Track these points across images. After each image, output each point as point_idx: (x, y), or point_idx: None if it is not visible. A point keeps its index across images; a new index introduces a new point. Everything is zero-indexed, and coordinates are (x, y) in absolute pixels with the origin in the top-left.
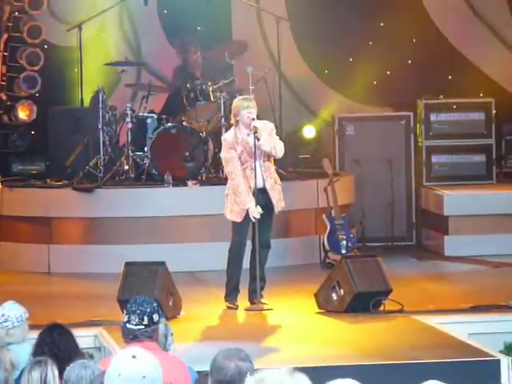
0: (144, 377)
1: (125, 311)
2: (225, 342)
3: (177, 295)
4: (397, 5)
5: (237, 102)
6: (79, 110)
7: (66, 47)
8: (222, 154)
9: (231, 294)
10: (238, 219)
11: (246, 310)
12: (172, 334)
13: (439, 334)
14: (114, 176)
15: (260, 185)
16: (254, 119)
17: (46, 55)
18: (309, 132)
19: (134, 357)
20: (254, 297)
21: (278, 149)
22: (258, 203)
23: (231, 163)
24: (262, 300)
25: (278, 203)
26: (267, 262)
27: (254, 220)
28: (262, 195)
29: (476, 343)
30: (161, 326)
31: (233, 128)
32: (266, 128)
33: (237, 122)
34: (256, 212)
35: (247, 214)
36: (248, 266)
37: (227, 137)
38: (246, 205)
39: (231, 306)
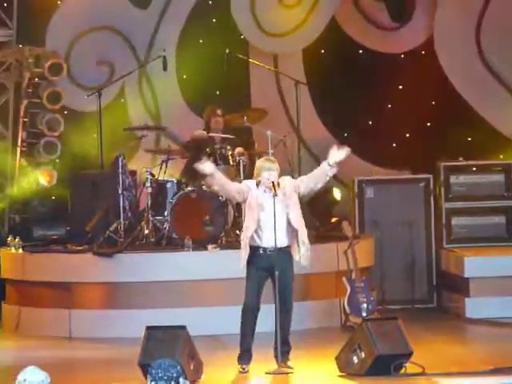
0: None
1: (149, 377)
2: None
3: (198, 359)
4: (415, 67)
5: (259, 162)
6: (99, 175)
7: (85, 113)
8: None
9: (240, 356)
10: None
11: (267, 373)
12: None
13: None
14: (135, 240)
15: (278, 244)
16: (273, 182)
17: (66, 121)
18: (337, 194)
19: None
20: (278, 360)
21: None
22: (273, 262)
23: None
24: (289, 363)
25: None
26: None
27: None
28: (277, 254)
29: None
30: None
31: (255, 181)
32: (292, 183)
33: (259, 181)
34: None
35: (253, 271)
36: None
37: (248, 181)
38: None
39: (240, 369)
